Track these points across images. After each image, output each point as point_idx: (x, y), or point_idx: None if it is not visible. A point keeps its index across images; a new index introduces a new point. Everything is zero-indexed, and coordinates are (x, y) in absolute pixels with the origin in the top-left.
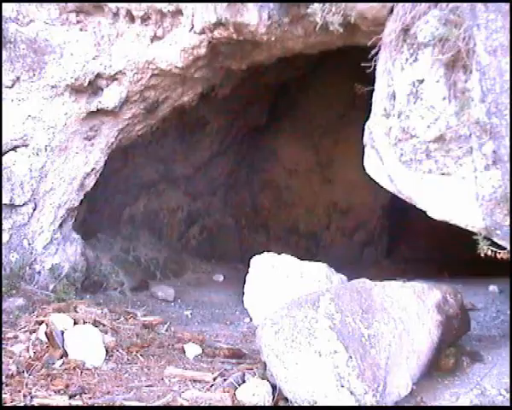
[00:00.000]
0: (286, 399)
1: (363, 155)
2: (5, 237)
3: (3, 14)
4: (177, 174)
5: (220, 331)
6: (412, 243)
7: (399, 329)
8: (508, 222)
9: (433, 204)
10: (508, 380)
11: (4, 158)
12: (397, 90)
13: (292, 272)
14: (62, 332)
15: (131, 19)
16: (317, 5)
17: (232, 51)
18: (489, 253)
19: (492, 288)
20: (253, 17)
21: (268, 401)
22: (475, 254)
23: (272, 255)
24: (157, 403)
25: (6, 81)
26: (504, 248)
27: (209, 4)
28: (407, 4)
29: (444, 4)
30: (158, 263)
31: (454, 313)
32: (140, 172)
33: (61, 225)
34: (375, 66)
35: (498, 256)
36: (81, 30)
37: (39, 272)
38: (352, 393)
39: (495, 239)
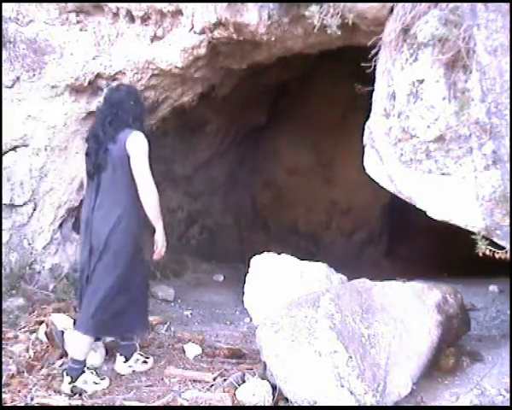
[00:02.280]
0: (286, 399)
1: (364, 154)
2: (5, 237)
3: (3, 14)
4: (177, 174)
5: (220, 331)
6: (412, 243)
7: (399, 329)
8: (507, 222)
9: (433, 204)
10: (508, 380)
11: (4, 158)
12: (397, 90)
13: (292, 272)
14: (62, 332)
15: (131, 19)
16: (314, 7)
17: (232, 51)
18: (487, 252)
19: (492, 288)
20: (253, 17)
21: (268, 401)
22: (475, 253)
23: (272, 255)
24: (157, 403)
25: (6, 81)
26: (503, 248)
27: (209, 4)
28: (407, 4)
29: (444, 4)
30: (158, 263)
31: (454, 313)
32: None
33: (60, 225)
34: (375, 66)
35: (497, 256)
36: (81, 30)
37: (39, 272)
38: (351, 393)
39: (495, 239)
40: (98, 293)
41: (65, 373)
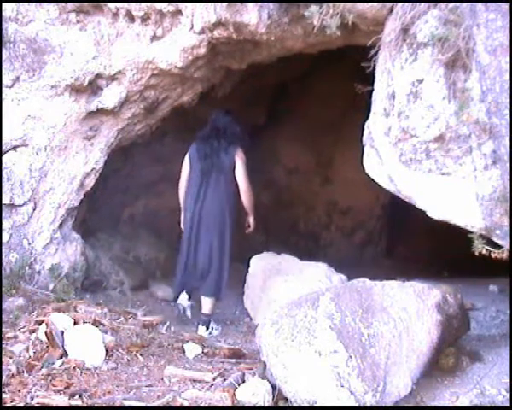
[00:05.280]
0: (286, 399)
1: (363, 154)
2: (5, 237)
3: (3, 14)
4: (177, 174)
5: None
6: (412, 243)
7: (399, 328)
8: (507, 222)
9: (433, 204)
10: (508, 380)
11: (4, 158)
12: (396, 89)
13: (292, 272)
14: (62, 332)
15: (131, 19)
16: (314, 8)
17: (232, 51)
18: (484, 251)
19: (492, 288)
20: (252, 17)
21: (268, 401)
22: (475, 253)
23: (272, 255)
24: (157, 403)
25: (6, 81)
26: (500, 248)
27: (209, 4)
28: (407, 4)
29: (443, 4)
30: (158, 263)
31: (454, 312)
32: (140, 172)
33: (60, 225)
34: (374, 66)
35: (493, 256)
36: (81, 30)
37: (39, 272)
38: (351, 393)
39: (495, 239)
40: (222, 265)
41: (200, 325)
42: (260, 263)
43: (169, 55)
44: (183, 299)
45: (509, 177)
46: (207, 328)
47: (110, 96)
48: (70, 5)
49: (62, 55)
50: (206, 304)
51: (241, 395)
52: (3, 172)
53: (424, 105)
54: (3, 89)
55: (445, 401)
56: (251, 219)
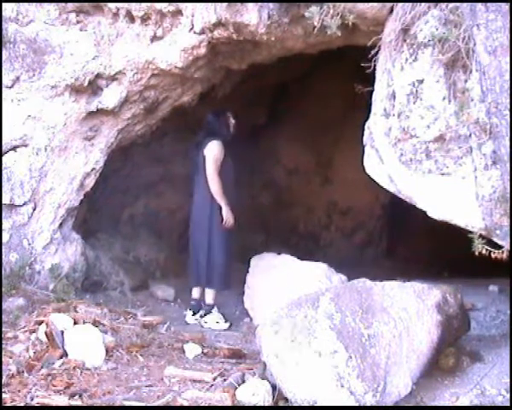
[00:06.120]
0: (286, 399)
1: (363, 154)
2: (5, 237)
3: (3, 14)
4: (177, 174)
5: (220, 331)
6: (412, 243)
7: (399, 328)
8: (507, 222)
9: (433, 204)
10: (508, 380)
11: (4, 158)
12: (397, 90)
13: (292, 272)
14: (62, 332)
15: (131, 19)
16: (314, 8)
17: (232, 51)
18: (484, 252)
19: (492, 288)
20: (252, 17)
21: (268, 401)
22: (475, 254)
23: (272, 255)
24: (157, 403)
25: (6, 81)
26: (500, 248)
27: (209, 4)
28: (407, 4)
29: (444, 4)
30: (158, 263)
31: (454, 312)
32: (140, 172)
33: (60, 225)
34: (374, 66)
35: (493, 256)
36: (81, 30)
37: (39, 272)
38: (351, 393)
39: (495, 239)
40: (210, 256)
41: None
42: (260, 263)
43: (169, 55)
44: (188, 316)
45: (509, 177)
46: (205, 315)
47: (110, 97)
48: (70, 5)
49: (62, 56)
50: (206, 294)
51: (241, 396)
52: (3, 172)
53: (424, 105)
54: (3, 89)
55: (445, 401)
56: (223, 210)
